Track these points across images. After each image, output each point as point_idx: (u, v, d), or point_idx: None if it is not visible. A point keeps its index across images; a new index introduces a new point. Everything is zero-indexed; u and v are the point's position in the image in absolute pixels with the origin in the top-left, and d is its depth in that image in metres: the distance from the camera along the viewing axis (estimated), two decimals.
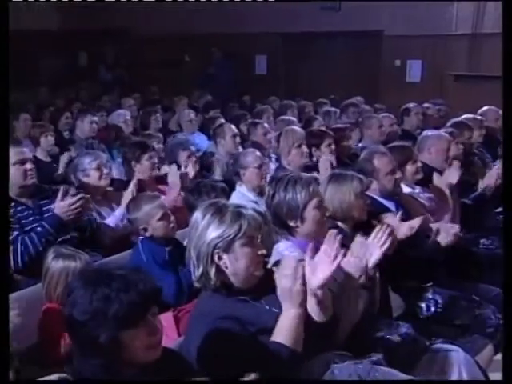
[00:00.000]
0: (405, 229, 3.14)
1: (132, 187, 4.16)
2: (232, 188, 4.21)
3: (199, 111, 8.06)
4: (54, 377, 2.26)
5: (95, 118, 6.68)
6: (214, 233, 2.25)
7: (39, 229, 3.50)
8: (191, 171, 4.62)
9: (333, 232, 2.34)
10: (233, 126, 5.72)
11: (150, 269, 3.14)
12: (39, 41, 11.03)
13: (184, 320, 2.94)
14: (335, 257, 2.23)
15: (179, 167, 4.64)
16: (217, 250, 2.26)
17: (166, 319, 2.88)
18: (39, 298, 2.87)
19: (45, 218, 3.58)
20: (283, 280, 2.15)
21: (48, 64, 11.30)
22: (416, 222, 3.20)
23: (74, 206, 3.54)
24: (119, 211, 4.02)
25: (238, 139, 5.59)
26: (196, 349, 2.17)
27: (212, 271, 2.27)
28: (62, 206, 3.53)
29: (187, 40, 11.21)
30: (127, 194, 4.09)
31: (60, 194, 3.57)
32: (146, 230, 3.40)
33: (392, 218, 3.28)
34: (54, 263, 2.88)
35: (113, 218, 4.00)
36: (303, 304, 2.16)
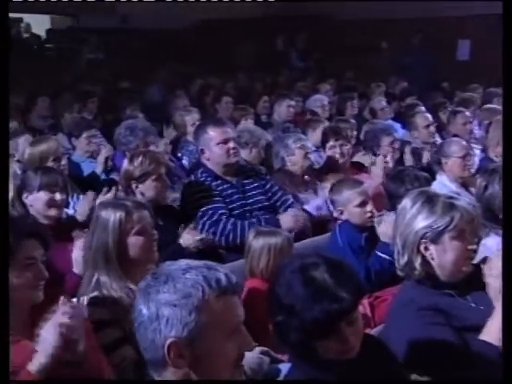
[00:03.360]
0: None
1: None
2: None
3: (395, 98, 7.88)
4: (257, 350, 2.36)
5: (292, 102, 6.81)
6: (422, 222, 2.18)
7: (254, 220, 3.66)
8: (392, 158, 4.55)
9: None
10: (428, 115, 5.55)
11: (344, 253, 3.17)
12: (239, 27, 11.49)
13: (380, 308, 2.91)
14: None
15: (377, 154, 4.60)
16: (424, 240, 2.19)
17: (362, 306, 2.86)
18: (242, 272, 3.00)
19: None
20: (492, 279, 2.07)
21: (247, 49, 11.72)
22: None
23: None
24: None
25: (431, 129, 5.41)
26: (397, 337, 2.13)
27: (417, 261, 2.21)
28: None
29: (386, 25, 10.97)
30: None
31: None
32: (342, 213, 3.44)
33: None
34: (255, 242, 3.00)
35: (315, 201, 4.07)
36: None
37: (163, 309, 1.46)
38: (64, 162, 4.07)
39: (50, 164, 3.85)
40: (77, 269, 2.86)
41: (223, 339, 1.48)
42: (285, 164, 4.34)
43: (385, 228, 3.12)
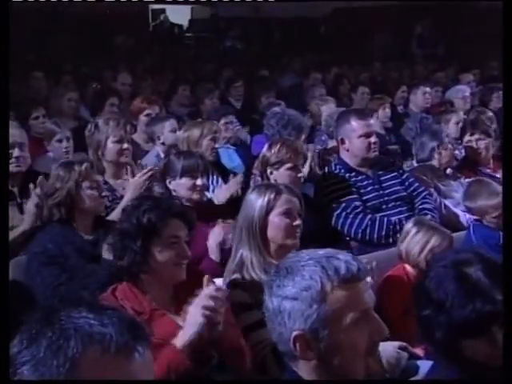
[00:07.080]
0: None
1: None
2: None
3: None
4: (395, 344, 2.30)
5: (427, 89, 6.61)
6: None
7: (392, 212, 3.64)
8: None
9: None
10: None
11: None
12: (376, 16, 11.31)
13: None
14: None
15: None
16: None
17: None
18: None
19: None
20: None
21: (383, 39, 11.52)
22: None
23: None
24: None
25: None
26: None
27: None
28: None
29: None
30: None
31: None
32: (478, 220, 3.39)
33: None
34: (411, 231, 2.91)
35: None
36: None
37: (285, 303, 1.47)
38: (217, 144, 4.23)
39: (205, 143, 4.04)
40: (212, 255, 2.94)
41: (350, 328, 1.45)
42: (432, 155, 4.21)
43: None
